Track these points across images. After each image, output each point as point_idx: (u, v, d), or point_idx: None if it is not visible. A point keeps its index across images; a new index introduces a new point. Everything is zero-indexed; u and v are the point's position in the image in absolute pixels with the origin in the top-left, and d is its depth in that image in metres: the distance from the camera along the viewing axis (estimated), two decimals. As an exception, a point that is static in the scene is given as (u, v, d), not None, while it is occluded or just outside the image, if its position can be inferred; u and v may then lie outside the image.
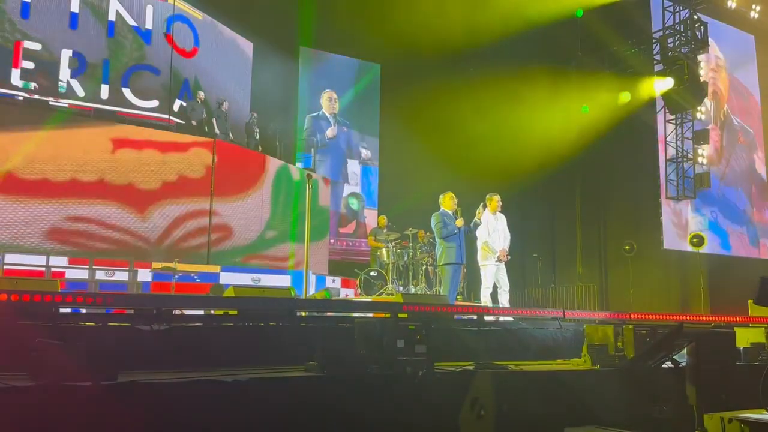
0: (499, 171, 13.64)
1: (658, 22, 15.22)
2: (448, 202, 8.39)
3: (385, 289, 11.15)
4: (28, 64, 11.76)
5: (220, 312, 4.89)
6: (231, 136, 12.41)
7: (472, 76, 15.34)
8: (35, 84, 11.70)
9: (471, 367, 4.58)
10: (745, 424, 3.42)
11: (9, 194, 9.13)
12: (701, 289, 13.76)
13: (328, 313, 5.53)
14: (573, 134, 15.31)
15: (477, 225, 8.32)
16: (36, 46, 11.89)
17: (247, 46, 15.15)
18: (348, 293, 11.73)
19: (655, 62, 15.08)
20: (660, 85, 14.77)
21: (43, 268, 8.84)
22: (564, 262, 15.89)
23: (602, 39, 15.26)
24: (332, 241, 14.87)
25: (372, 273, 11.57)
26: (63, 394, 3.09)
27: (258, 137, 12.78)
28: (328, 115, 16.12)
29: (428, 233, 11.58)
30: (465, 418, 4.15)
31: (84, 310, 4.53)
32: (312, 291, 10.22)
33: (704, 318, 8.03)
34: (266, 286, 9.56)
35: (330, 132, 16.07)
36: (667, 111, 15.24)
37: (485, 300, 8.31)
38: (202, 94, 12.11)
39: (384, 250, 11.73)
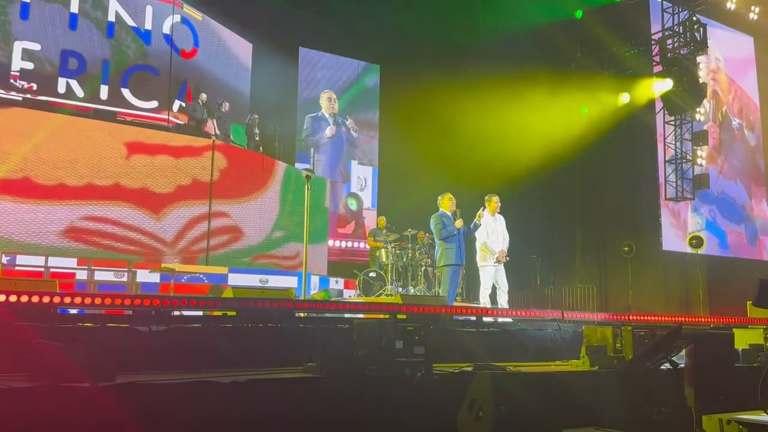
0: (499, 172, 13.64)
1: (658, 23, 15.24)
2: (446, 203, 8.38)
3: (384, 290, 11.15)
4: (27, 65, 11.77)
5: (219, 313, 4.89)
6: (231, 137, 12.41)
7: (472, 77, 15.34)
8: (34, 84, 11.71)
9: (469, 369, 4.59)
10: (743, 425, 3.43)
11: (21, 196, 9.19)
12: (700, 291, 13.77)
13: (327, 314, 5.54)
14: (572, 135, 15.33)
15: (477, 227, 8.32)
16: (35, 46, 11.89)
17: (246, 46, 15.16)
18: (350, 294, 11.74)
19: (654, 63, 15.09)
20: (659, 86, 14.78)
21: (56, 269, 8.83)
22: (563, 263, 15.89)
23: (601, 40, 15.29)
24: (331, 241, 14.87)
25: (371, 274, 11.57)
26: (61, 395, 3.09)
27: (258, 138, 12.77)
28: (328, 116, 16.12)
29: (428, 234, 11.58)
30: (463, 420, 4.16)
31: (83, 311, 4.53)
32: (317, 292, 10.26)
33: (703, 319, 8.04)
34: (274, 287, 9.61)
35: (329, 132, 16.08)
36: (666, 112, 15.25)
37: (484, 301, 8.31)
38: (204, 96, 12.11)
39: (383, 250, 11.73)
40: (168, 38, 13.42)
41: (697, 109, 15.29)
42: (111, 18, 12.83)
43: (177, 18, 13.59)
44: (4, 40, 11.61)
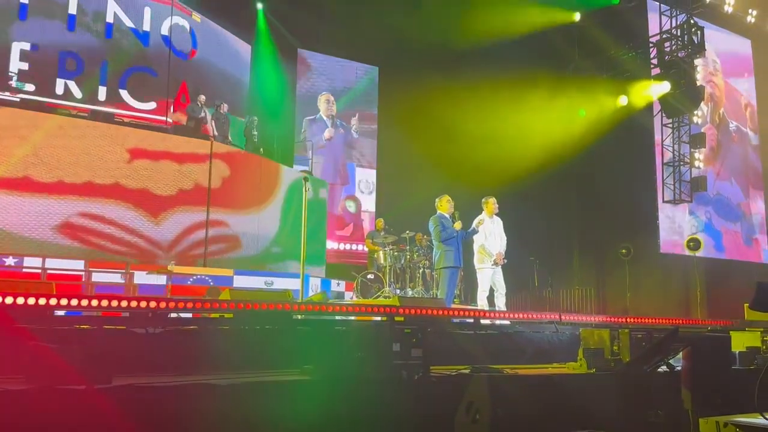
0: (497, 174, 13.65)
1: (655, 26, 15.27)
2: (445, 205, 8.36)
3: (382, 292, 11.14)
4: (25, 66, 11.75)
5: (216, 315, 4.88)
6: (230, 138, 12.40)
7: (470, 80, 15.36)
8: (32, 85, 11.70)
9: (467, 371, 4.58)
10: (740, 428, 3.42)
11: (18, 190, 9.20)
12: (698, 293, 13.78)
13: (325, 317, 5.52)
14: (570, 138, 15.36)
15: (474, 232, 8.32)
16: (33, 47, 11.88)
17: (244, 48, 15.16)
18: (350, 297, 11.75)
19: (652, 66, 15.12)
20: (657, 89, 14.81)
21: (53, 271, 8.82)
22: (561, 266, 15.90)
23: (600, 43, 15.32)
24: (329, 243, 14.87)
25: (369, 276, 11.56)
26: (57, 397, 3.08)
27: (257, 140, 12.77)
28: (326, 118, 16.13)
29: (426, 236, 11.57)
30: (460, 422, 4.15)
31: (80, 313, 4.52)
32: (314, 294, 10.26)
33: (700, 322, 8.04)
34: (278, 289, 9.62)
35: (327, 134, 16.08)
36: (663, 115, 15.28)
37: (482, 303, 8.30)
38: (202, 98, 12.11)
39: (381, 252, 11.72)
40: (166, 39, 13.42)
41: (695, 112, 15.32)
42: (109, 19, 12.83)
43: (175, 19, 13.58)
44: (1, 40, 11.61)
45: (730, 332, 5.79)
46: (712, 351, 4.83)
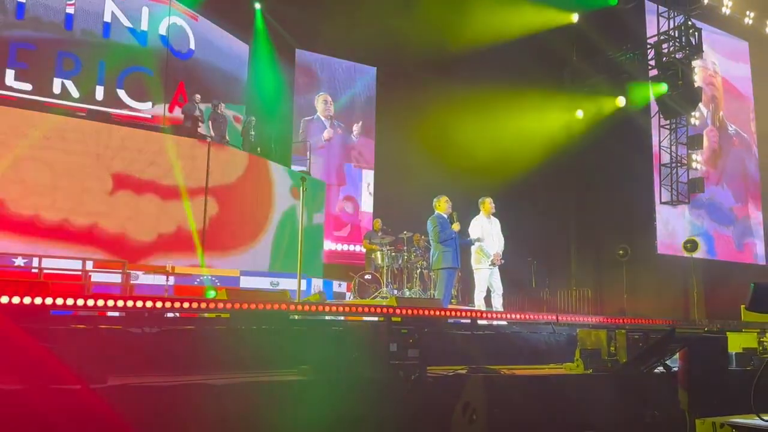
0: (494, 174, 13.66)
1: (653, 28, 15.29)
2: (443, 206, 8.36)
3: (379, 293, 11.14)
4: (23, 65, 11.74)
5: (213, 315, 4.87)
6: (227, 138, 12.39)
7: (468, 81, 15.37)
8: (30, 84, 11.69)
9: (464, 371, 4.58)
10: (736, 429, 3.43)
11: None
12: (695, 294, 13.79)
13: (322, 317, 5.52)
14: (568, 139, 15.37)
15: (471, 243, 8.37)
16: (30, 47, 11.86)
17: (242, 48, 15.15)
18: (348, 297, 11.76)
19: (649, 67, 15.14)
20: (654, 90, 14.83)
21: (50, 271, 8.77)
22: (558, 267, 15.90)
23: (597, 44, 15.33)
24: (327, 244, 14.86)
25: (366, 276, 11.56)
26: (52, 397, 3.07)
27: (254, 140, 12.76)
28: (323, 118, 16.12)
29: (423, 237, 11.58)
30: (457, 423, 4.15)
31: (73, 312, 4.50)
32: (311, 295, 10.26)
33: (697, 323, 8.05)
34: (275, 289, 9.62)
35: (326, 135, 16.07)
36: (661, 116, 15.29)
37: (479, 304, 8.30)
38: (198, 97, 12.11)
39: (378, 253, 11.73)
40: (164, 39, 13.41)
41: (692, 113, 15.34)
42: (107, 19, 12.82)
43: (173, 19, 13.57)
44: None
45: (727, 333, 5.79)
46: (708, 352, 4.84)
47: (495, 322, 6.56)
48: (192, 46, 14.01)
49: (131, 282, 9.06)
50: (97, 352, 3.65)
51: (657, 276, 14.86)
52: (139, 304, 4.28)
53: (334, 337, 4.86)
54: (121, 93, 12.78)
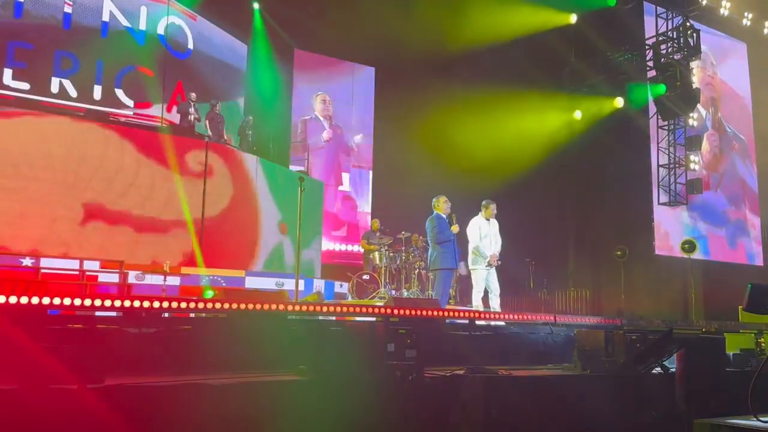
0: (492, 175, 13.67)
1: (651, 28, 15.30)
2: (442, 206, 8.36)
3: (377, 293, 11.13)
4: (21, 64, 11.71)
5: (210, 315, 4.86)
6: (225, 137, 12.38)
7: (466, 81, 15.38)
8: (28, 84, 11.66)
9: (461, 372, 4.58)
10: (734, 430, 3.43)
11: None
12: (692, 295, 13.80)
13: (319, 317, 5.51)
14: (566, 139, 15.37)
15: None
16: (28, 46, 11.84)
17: (241, 48, 15.14)
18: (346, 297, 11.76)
19: (648, 68, 15.15)
20: (653, 91, 14.84)
21: (47, 270, 8.74)
22: (556, 267, 15.90)
23: (596, 45, 15.34)
24: (325, 244, 14.84)
25: (364, 276, 11.55)
26: (49, 396, 3.06)
27: (251, 139, 12.74)
28: (322, 118, 16.11)
29: (421, 237, 11.58)
30: (454, 423, 4.15)
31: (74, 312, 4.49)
32: (309, 295, 10.25)
33: (694, 324, 8.05)
34: (273, 290, 9.60)
35: (326, 135, 16.06)
36: (659, 117, 15.31)
37: (477, 304, 8.30)
38: (193, 95, 12.09)
39: (376, 253, 11.72)
40: (162, 39, 13.39)
41: (690, 115, 15.36)
42: (105, 18, 12.80)
43: (171, 18, 13.55)
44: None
45: (725, 334, 5.79)
46: (706, 353, 4.84)
47: (493, 323, 6.57)
48: (190, 45, 13.99)
49: (138, 282, 9.06)
50: (94, 351, 3.64)
51: (655, 277, 14.87)
52: (137, 304, 4.27)
53: (332, 338, 4.85)
54: (119, 92, 12.75)
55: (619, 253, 13.96)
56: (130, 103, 12.82)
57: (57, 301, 4.06)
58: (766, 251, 17.38)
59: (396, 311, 4.99)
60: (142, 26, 13.20)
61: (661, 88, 14.55)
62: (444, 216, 8.32)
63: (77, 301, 4.12)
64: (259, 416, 3.60)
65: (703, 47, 15.11)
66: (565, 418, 4.54)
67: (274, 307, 4.63)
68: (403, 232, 11.89)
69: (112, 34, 12.85)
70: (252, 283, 10.03)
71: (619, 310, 13.49)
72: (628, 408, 4.85)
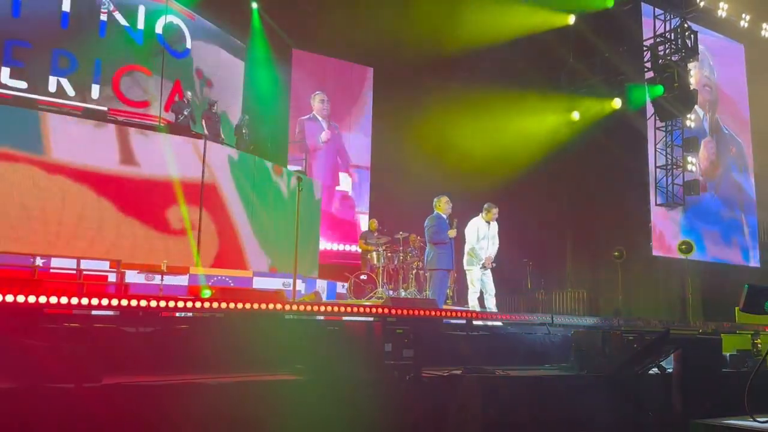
0: (490, 175, 13.68)
1: (649, 30, 15.32)
2: (443, 206, 8.34)
3: (374, 293, 11.14)
4: (18, 63, 11.69)
5: (207, 315, 4.86)
6: (222, 136, 12.36)
7: (464, 82, 15.36)
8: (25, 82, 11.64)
9: (458, 372, 4.58)
10: (730, 430, 3.43)
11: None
12: (689, 296, 13.83)
13: (317, 317, 5.51)
14: (563, 140, 15.39)
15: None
16: (26, 44, 11.81)
17: (239, 47, 15.13)
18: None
19: (645, 69, 15.17)
20: (650, 92, 14.87)
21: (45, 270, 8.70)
22: (554, 268, 15.91)
23: (593, 46, 15.36)
24: (322, 244, 14.82)
25: (362, 276, 11.56)
26: (46, 396, 3.06)
27: (247, 138, 12.72)
28: (320, 118, 16.09)
29: (419, 237, 11.59)
30: (452, 423, 4.15)
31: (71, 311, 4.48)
32: (306, 295, 10.25)
33: (691, 324, 8.07)
34: (272, 289, 9.59)
35: (324, 136, 16.04)
36: (657, 118, 15.33)
37: (473, 304, 8.31)
38: (189, 94, 12.07)
39: (374, 253, 11.72)
40: (160, 38, 13.37)
41: (688, 116, 15.38)
42: (103, 17, 12.77)
43: (170, 18, 13.53)
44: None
45: (722, 335, 5.81)
46: (703, 353, 4.85)
47: (490, 323, 6.57)
48: (188, 45, 13.98)
49: (148, 282, 9.05)
50: (92, 351, 3.63)
51: (652, 278, 14.90)
52: (134, 303, 4.26)
53: (329, 337, 4.85)
54: (117, 91, 12.73)
55: (616, 253, 13.97)
56: (127, 102, 12.79)
57: (54, 299, 4.06)
58: (762, 252, 17.41)
59: (393, 311, 4.99)
60: (140, 25, 13.17)
61: (659, 90, 14.57)
62: (444, 216, 8.30)
63: (74, 300, 4.12)
64: (256, 415, 3.59)
65: (700, 48, 15.14)
66: (561, 419, 4.54)
67: (271, 306, 4.63)
68: (400, 233, 11.89)
69: (110, 33, 12.83)
70: (259, 283, 10.01)
71: (617, 310, 13.51)
72: (625, 408, 4.85)
